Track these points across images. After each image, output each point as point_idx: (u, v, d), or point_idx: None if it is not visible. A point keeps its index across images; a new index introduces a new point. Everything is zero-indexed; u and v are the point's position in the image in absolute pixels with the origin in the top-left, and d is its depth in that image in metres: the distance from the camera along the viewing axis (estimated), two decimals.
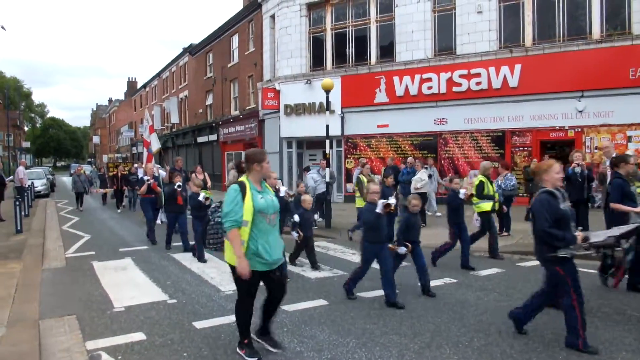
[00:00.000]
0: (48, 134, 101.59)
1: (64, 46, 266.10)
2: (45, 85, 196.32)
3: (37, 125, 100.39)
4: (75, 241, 12.04)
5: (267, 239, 4.45)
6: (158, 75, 46.69)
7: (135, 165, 21.16)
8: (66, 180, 50.63)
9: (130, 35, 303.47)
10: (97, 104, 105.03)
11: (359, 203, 10.83)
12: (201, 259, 9.25)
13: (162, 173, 14.19)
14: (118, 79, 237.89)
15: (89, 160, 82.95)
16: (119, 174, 20.02)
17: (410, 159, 14.52)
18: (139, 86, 60.09)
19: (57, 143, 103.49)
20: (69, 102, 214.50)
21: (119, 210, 19.24)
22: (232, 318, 5.74)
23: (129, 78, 72.04)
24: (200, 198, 9.16)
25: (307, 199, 8.69)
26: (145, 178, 12.13)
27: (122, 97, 75.60)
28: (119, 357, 4.75)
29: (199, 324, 5.62)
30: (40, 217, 17.15)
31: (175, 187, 10.39)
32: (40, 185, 27.89)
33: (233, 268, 4.46)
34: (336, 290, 7.01)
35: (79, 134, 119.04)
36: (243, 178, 4.64)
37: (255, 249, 4.37)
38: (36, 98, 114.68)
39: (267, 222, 4.47)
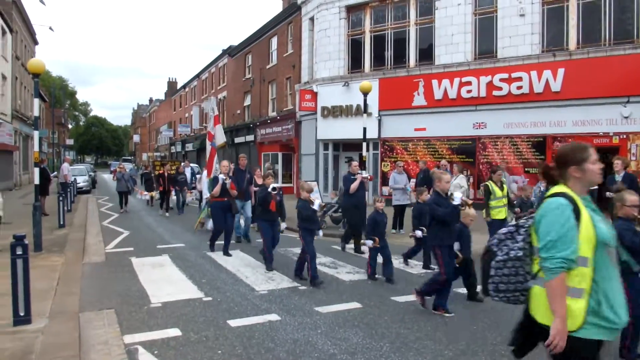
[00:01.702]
0: (90, 132, 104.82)
1: (106, 47, 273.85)
2: (89, 84, 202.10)
3: (81, 123, 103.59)
4: (114, 237, 12.34)
5: (612, 287, 2.78)
6: (197, 76, 47.50)
7: (182, 163, 19.68)
8: (106, 177, 52.02)
9: (169, 37, 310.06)
10: (137, 103, 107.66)
11: (491, 214, 9.36)
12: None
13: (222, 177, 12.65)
14: (158, 80, 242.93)
15: (128, 157, 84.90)
16: (166, 174, 18.05)
17: (443, 162, 14.29)
18: (178, 86, 61.25)
19: (99, 141, 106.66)
20: (111, 102, 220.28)
21: (167, 214, 17.34)
22: (266, 317, 5.81)
23: (169, 78, 73.33)
24: (316, 206, 7.78)
25: (470, 213, 6.90)
26: (221, 177, 9.94)
27: (162, 97, 77.19)
28: (155, 352, 4.84)
29: (233, 322, 5.67)
30: (82, 213, 17.66)
31: (270, 189, 8.48)
32: (82, 181, 28.69)
33: (546, 331, 2.79)
34: (370, 293, 6.98)
35: (120, 132, 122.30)
36: (561, 188, 2.91)
37: (596, 305, 2.73)
38: (80, 97, 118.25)
39: (611, 260, 2.83)
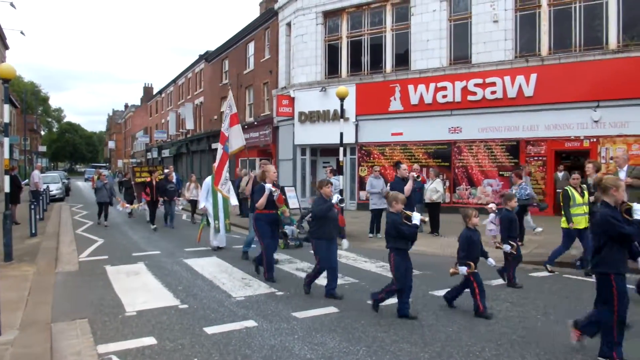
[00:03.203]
0: (64, 138, 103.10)
1: (80, 52, 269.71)
2: (62, 90, 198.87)
3: (54, 129, 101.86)
4: (88, 245, 12.14)
5: None
6: (174, 81, 47.15)
7: (166, 170, 17.65)
8: (81, 185, 51.21)
9: (145, 42, 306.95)
10: (113, 109, 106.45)
11: (565, 223, 8.71)
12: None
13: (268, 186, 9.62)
14: (134, 85, 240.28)
15: (101, 164, 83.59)
16: (154, 182, 15.79)
17: (416, 167, 14.41)
18: (155, 92, 60.72)
19: (73, 147, 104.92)
20: (85, 107, 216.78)
21: (153, 226, 15.21)
22: (243, 324, 5.78)
23: (145, 84, 73.05)
24: (417, 221, 6.18)
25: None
26: (267, 186, 8.25)
27: (138, 102, 76.39)
28: None
29: (209, 330, 5.62)
30: (54, 221, 17.34)
31: (335, 200, 7.10)
32: (55, 189, 28.19)
33: None
34: (347, 297, 6.98)
35: (95, 138, 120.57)
36: None
37: None
38: (53, 103, 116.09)
39: None
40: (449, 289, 6.65)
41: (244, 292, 7.33)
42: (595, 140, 15.62)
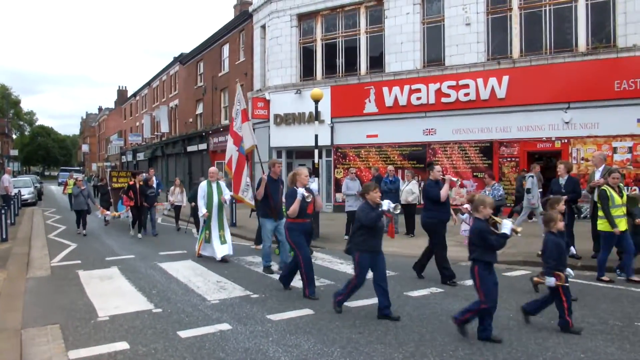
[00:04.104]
0: (36, 142, 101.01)
1: (52, 55, 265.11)
2: (34, 93, 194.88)
3: (26, 133, 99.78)
4: (61, 250, 11.93)
5: None
6: (148, 84, 46.66)
7: (144, 174, 16.49)
8: (54, 189, 50.26)
9: (119, 44, 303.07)
10: (86, 112, 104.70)
11: (604, 225, 8.14)
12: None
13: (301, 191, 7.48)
14: (108, 88, 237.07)
15: (72, 168, 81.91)
16: (137, 186, 14.65)
17: (390, 168, 14.53)
18: (129, 95, 59.98)
19: (46, 151, 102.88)
20: (58, 111, 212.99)
21: (139, 235, 14.22)
22: (217, 327, 5.75)
23: (119, 87, 71.69)
24: (508, 231, 5.28)
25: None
26: (300, 191, 7.25)
27: (112, 105, 75.35)
28: None
29: (183, 334, 5.58)
30: (26, 226, 17.00)
31: (387, 208, 6.17)
32: (27, 193, 27.64)
33: None
34: (323, 299, 6.99)
35: (68, 142, 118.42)
36: None
37: None
38: (25, 106, 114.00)
39: None
40: (530, 301, 5.93)
41: (218, 296, 7.28)
42: (566, 141, 15.94)
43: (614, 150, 15.20)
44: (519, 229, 5.35)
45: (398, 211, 6.58)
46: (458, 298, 7.04)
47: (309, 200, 7.30)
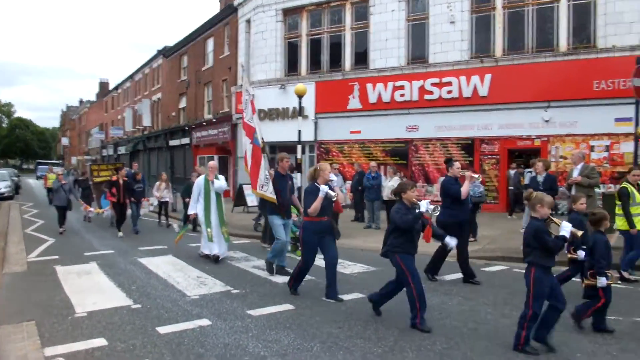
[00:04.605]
0: (14, 134, 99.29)
1: (31, 46, 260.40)
2: (12, 84, 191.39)
3: (3, 125, 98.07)
4: (38, 245, 11.77)
5: None
6: (131, 77, 46.12)
7: (127, 169, 15.65)
8: (32, 182, 49.53)
9: (101, 36, 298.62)
10: (67, 104, 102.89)
11: (622, 223, 7.95)
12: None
13: (334, 178, 7.44)
14: (89, 80, 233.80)
15: (51, 161, 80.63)
16: (121, 181, 13.55)
17: (373, 164, 14.58)
18: (111, 88, 59.23)
19: (24, 144, 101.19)
20: (37, 103, 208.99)
21: (120, 234, 13.24)
22: (197, 323, 5.72)
23: (100, 79, 70.64)
24: (567, 233, 4.95)
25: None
26: (323, 188, 6.71)
27: (93, 98, 74.28)
28: None
29: (162, 329, 5.55)
30: (2, 220, 16.74)
31: (425, 210, 5.75)
32: (3, 187, 27.21)
33: None
34: (303, 294, 7.01)
35: (48, 135, 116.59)
36: None
37: None
38: (2, 97, 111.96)
39: None
40: (579, 305, 5.63)
41: (198, 291, 7.25)
42: (545, 139, 16.13)
43: (592, 148, 15.42)
44: (579, 233, 5.12)
45: (437, 213, 6.19)
46: (437, 293, 7.11)
47: (334, 199, 6.80)
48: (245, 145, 9.83)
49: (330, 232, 6.94)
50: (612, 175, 15.16)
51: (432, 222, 6.06)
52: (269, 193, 8.66)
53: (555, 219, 5.16)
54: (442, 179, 8.28)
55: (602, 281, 5.35)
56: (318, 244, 6.82)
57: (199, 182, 10.02)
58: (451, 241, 6.15)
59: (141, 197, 14.57)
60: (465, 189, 7.70)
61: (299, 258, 9.08)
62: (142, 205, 14.92)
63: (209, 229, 9.63)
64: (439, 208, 6.27)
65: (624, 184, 7.93)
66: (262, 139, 9.27)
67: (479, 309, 6.31)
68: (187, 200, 13.82)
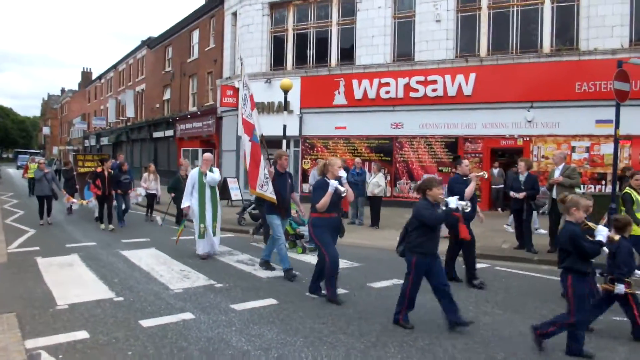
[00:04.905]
0: None
1: (12, 33, 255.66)
2: None
3: None
4: (18, 236, 11.61)
5: None
6: (114, 67, 45.57)
7: (114, 160, 15.12)
8: (12, 172, 48.76)
9: (84, 25, 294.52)
10: (48, 93, 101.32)
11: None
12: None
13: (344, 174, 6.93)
14: (71, 69, 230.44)
15: (36, 151, 79.35)
16: (106, 173, 13.02)
17: (357, 160, 14.66)
18: (94, 77, 58.46)
19: (4, 133, 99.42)
20: (17, 91, 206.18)
21: (111, 227, 12.90)
22: (180, 316, 5.72)
23: (83, 68, 69.98)
24: (601, 237, 4.86)
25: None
26: (333, 183, 6.46)
27: (75, 87, 73.24)
28: (60, 357, 4.63)
29: (145, 323, 5.54)
30: None
31: (457, 206, 5.58)
32: None
33: None
34: (287, 290, 7.04)
35: (28, 124, 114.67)
36: None
37: None
38: None
39: None
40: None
41: (182, 285, 7.24)
42: (528, 139, 16.35)
43: (573, 149, 15.68)
44: (616, 237, 5.05)
45: (468, 209, 5.93)
46: (421, 290, 7.16)
47: (343, 195, 6.52)
48: (244, 143, 9.47)
49: (338, 230, 6.71)
50: (592, 176, 15.43)
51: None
52: (269, 193, 8.41)
53: (590, 223, 5.03)
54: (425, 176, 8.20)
55: (620, 288, 5.17)
56: (334, 240, 6.57)
57: (192, 174, 9.63)
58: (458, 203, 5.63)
59: (128, 188, 14.24)
60: (470, 189, 7.49)
61: (300, 255, 8.92)
62: (130, 196, 14.61)
63: (202, 225, 9.28)
64: (470, 205, 5.99)
65: (627, 190, 7.82)
66: (262, 134, 9.06)
67: (460, 306, 6.37)
68: (173, 195, 13.79)
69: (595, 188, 15.24)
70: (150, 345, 4.89)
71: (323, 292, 6.71)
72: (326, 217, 6.49)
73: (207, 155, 9.97)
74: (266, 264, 8.40)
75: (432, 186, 5.53)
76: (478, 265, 9.03)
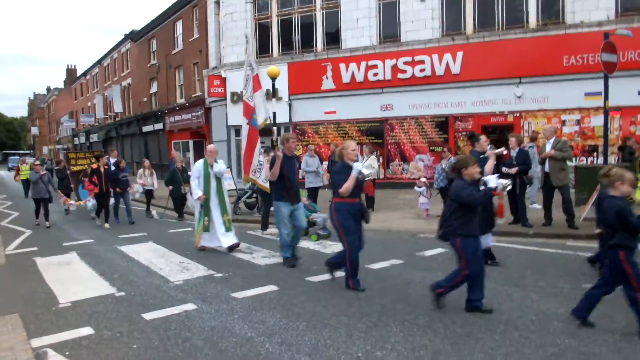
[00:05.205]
0: None
1: None
2: None
3: None
4: (15, 237, 11.59)
5: None
6: (99, 62, 45.09)
7: (108, 157, 14.68)
8: (4, 174, 48.41)
9: (63, 20, 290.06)
10: (34, 92, 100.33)
11: None
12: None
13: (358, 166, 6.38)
14: (55, 67, 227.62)
15: (26, 152, 78.68)
16: (102, 170, 12.95)
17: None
18: (79, 74, 57.84)
19: None
20: (2, 92, 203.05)
21: (107, 226, 12.64)
22: (182, 307, 5.77)
23: (68, 65, 68.88)
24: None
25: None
26: (356, 165, 6.25)
27: (61, 85, 72.46)
28: (67, 353, 4.67)
29: (148, 316, 5.58)
30: None
31: (496, 185, 5.36)
32: None
33: None
34: (286, 275, 7.11)
35: (16, 124, 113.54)
36: None
37: None
38: None
39: None
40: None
41: (182, 276, 7.29)
42: (518, 115, 16.43)
43: (563, 123, 15.78)
44: None
45: (510, 188, 5.67)
46: (418, 269, 7.28)
47: (367, 178, 6.23)
48: (243, 126, 9.24)
49: (361, 216, 6.35)
50: (583, 149, 15.55)
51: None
52: (261, 180, 8.24)
53: (636, 196, 4.73)
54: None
55: None
56: (355, 226, 6.25)
57: (197, 166, 9.32)
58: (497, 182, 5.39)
59: (127, 186, 13.78)
60: (489, 166, 7.24)
61: (314, 242, 9.01)
62: (132, 192, 14.41)
63: (206, 217, 9.02)
64: (511, 184, 5.72)
65: None
66: (269, 117, 8.68)
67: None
68: (170, 188, 13.65)
69: (587, 160, 15.38)
70: (155, 338, 4.94)
71: (361, 287, 6.28)
72: (349, 202, 6.20)
73: (211, 146, 9.69)
74: (291, 260, 7.78)
75: (468, 165, 5.31)
76: None
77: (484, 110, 16.86)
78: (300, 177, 9.13)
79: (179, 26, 28.37)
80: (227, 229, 9.03)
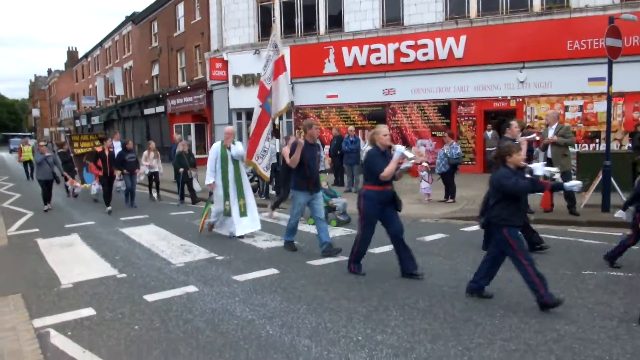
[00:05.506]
0: None
1: None
2: None
3: None
4: (17, 218, 11.62)
5: None
6: (100, 44, 44.85)
7: (111, 140, 14.33)
8: (5, 156, 48.43)
9: (64, 2, 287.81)
10: (35, 75, 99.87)
11: None
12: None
13: (401, 149, 6.11)
14: (56, 49, 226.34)
15: (28, 134, 78.54)
16: (107, 152, 12.50)
17: (351, 128, 14.66)
18: (80, 56, 57.55)
19: None
20: (3, 74, 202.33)
21: (109, 208, 12.20)
22: (184, 289, 5.80)
23: (69, 48, 68.66)
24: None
25: None
26: (399, 148, 5.84)
27: (62, 67, 72.12)
28: (69, 333, 4.70)
29: (150, 297, 5.61)
30: None
31: (543, 174, 5.32)
32: None
33: None
34: (288, 259, 7.13)
35: (17, 106, 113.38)
36: None
37: None
38: None
39: None
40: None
41: (183, 259, 7.32)
42: (521, 100, 16.34)
43: (566, 108, 15.69)
44: None
45: (558, 176, 5.39)
46: (418, 254, 7.24)
47: (410, 164, 5.89)
48: (256, 108, 8.97)
49: (393, 202, 6.07)
50: (586, 135, 15.49)
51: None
52: (262, 167, 8.05)
53: None
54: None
55: None
56: (380, 216, 6.10)
57: (215, 148, 8.90)
58: (575, 185, 5.20)
59: (135, 168, 13.30)
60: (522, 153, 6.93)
61: (334, 227, 8.80)
62: (138, 175, 13.92)
63: (227, 202, 8.64)
64: (559, 172, 5.41)
65: None
66: (292, 102, 8.35)
67: (459, 268, 6.51)
68: (180, 170, 13.28)
69: (589, 146, 15.32)
70: (156, 319, 4.97)
71: (419, 271, 6.12)
72: (380, 189, 5.92)
73: (229, 128, 9.23)
74: (329, 248, 7.35)
75: (512, 152, 5.07)
76: (476, 228, 9.16)
77: (486, 95, 16.77)
78: None
79: (181, 8, 28.14)
80: (242, 214, 8.70)
